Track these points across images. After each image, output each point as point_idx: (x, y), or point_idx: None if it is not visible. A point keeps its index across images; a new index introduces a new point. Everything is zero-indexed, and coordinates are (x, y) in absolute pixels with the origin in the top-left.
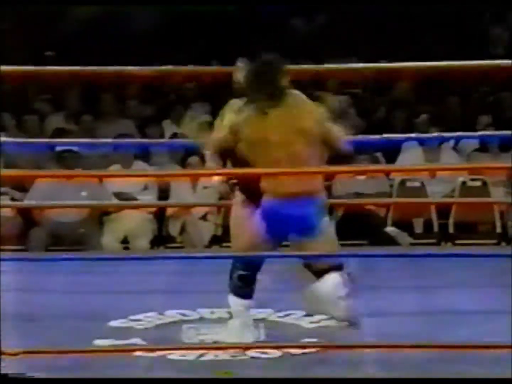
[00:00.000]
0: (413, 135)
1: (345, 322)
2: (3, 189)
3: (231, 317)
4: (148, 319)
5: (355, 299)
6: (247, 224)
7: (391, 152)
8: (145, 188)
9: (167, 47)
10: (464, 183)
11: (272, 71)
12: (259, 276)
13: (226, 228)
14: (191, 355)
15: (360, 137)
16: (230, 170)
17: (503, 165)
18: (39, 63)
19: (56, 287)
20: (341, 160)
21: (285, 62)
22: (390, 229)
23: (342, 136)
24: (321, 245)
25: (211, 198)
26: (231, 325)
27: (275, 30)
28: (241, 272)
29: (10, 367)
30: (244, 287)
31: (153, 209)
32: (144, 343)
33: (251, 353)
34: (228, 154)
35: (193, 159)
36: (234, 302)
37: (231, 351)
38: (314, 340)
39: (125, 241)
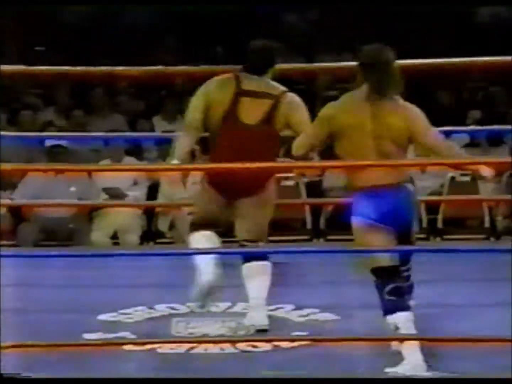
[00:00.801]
0: None
1: None
2: None
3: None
4: (137, 313)
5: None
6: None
7: None
8: (135, 183)
9: (159, 46)
10: (453, 178)
11: (392, 62)
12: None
13: None
14: (181, 348)
15: None
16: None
17: (494, 160)
18: (30, 58)
19: (45, 282)
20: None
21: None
22: None
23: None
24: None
25: None
26: None
27: (269, 27)
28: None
29: None
30: None
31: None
32: (133, 336)
33: (241, 346)
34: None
35: None
36: None
37: (221, 344)
38: (304, 333)
39: (114, 236)
